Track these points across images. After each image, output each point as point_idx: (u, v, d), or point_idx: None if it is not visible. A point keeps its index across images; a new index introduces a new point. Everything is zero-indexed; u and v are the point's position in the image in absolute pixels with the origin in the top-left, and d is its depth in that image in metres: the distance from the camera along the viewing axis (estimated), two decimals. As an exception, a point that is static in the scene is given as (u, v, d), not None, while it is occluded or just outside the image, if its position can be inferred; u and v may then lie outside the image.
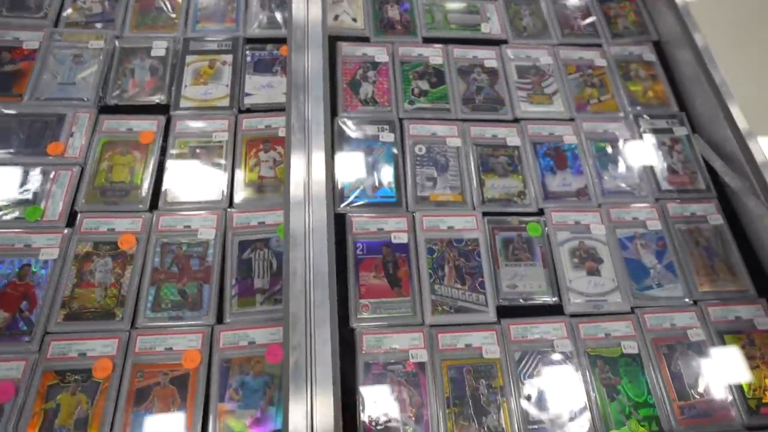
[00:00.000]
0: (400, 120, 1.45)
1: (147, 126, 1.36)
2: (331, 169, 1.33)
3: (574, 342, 1.20)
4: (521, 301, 1.24)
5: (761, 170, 1.33)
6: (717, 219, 1.41)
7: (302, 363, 0.96)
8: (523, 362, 1.17)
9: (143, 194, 1.27)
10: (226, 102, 1.42)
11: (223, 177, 1.31)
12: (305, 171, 1.14)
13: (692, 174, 1.48)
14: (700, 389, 1.17)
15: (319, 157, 1.16)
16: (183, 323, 1.13)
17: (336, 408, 0.93)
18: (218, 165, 1.33)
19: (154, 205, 1.27)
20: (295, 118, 1.20)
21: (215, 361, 1.10)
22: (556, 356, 1.18)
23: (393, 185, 1.35)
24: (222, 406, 1.06)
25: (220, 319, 1.16)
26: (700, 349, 1.22)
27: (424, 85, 1.52)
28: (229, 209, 1.27)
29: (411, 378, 1.12)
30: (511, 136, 1.47)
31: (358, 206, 1.32)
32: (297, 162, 1.15)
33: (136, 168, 1.30)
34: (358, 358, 1.13)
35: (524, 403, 1.12)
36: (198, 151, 1.35)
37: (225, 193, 1.29)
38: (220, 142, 1.36)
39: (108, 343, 1.09)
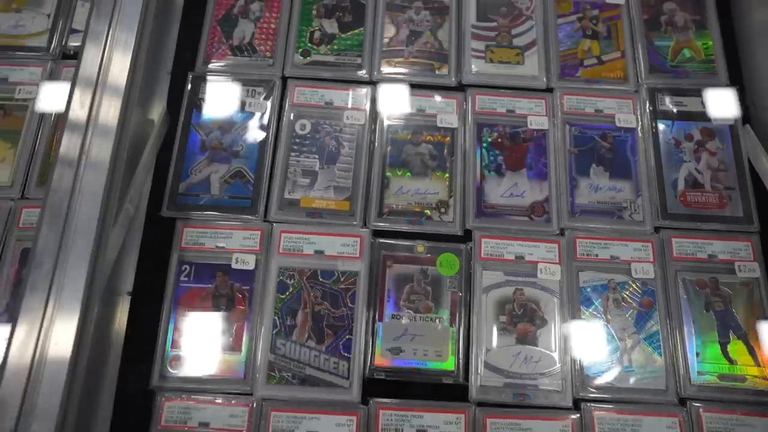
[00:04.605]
0: (284, 79, 1.00)
1: None
2: (154, 151, 0.92)
3: (473, 445, 0.80)
4: (405, 373, 0.84)
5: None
6: (752, 269, 0.90)
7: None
8: (388, 469, 0.80)
9: None
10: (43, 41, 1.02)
11: (19, 155, 0.94)
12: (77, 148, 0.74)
13: (726, 191, 0.95)
14: None
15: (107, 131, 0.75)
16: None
17: None
18: (15, 135, 0.96)
19: None
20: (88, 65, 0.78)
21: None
22: (443, 463, 0.80)
23: (251, 179, 0.94)
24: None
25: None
26: (671, 479, 0.80)
27: (330, 26, 1.04)
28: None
29: (216, 475, 0.79)
30: (446, 112, 0.98)
31: (196, 207, 0.92)
32: (70, 141, 0.75)
33: None
34: (151, 435, 0.80)
35: None
36: (-9, 110, 0.98)
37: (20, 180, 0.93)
38: (25, 100, 0.98)
39: None
